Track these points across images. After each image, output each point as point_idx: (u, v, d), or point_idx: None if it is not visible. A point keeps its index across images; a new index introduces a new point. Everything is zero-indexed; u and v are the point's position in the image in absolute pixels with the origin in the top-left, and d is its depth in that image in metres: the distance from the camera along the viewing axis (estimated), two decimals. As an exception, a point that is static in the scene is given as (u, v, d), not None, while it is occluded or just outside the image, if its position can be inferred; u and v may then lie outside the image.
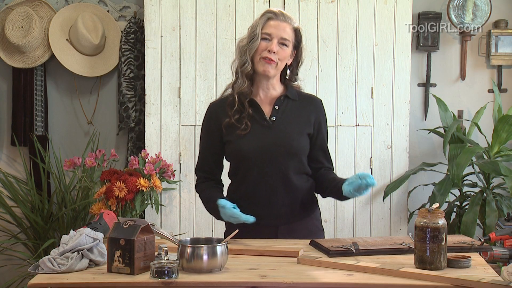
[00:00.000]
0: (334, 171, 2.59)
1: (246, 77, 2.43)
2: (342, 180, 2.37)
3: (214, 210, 2.42)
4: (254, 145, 2.41)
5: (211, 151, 2.52)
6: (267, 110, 2.46)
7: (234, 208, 2.34)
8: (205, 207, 2.52)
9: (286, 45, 2.40)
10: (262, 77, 2.44)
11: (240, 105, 2.43)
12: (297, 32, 2.44)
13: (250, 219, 2.31)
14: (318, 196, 2.58)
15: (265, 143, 2.41)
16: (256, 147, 2.40)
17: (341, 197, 2.38)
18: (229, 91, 2.49)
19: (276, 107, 2.45)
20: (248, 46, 2.41)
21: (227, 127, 2.44)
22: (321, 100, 2.56)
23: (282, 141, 2.41)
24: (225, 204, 2.35)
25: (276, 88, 2.48)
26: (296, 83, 2.54)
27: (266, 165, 2.41)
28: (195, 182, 2.59)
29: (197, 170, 2.57)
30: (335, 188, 2.40)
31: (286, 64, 2.47)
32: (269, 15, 2.41)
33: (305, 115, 2.47)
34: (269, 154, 2.40)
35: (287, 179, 2.42)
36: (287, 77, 2.50)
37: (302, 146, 2.44)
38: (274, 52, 2.37)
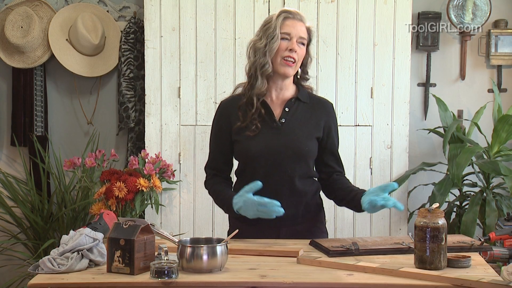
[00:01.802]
0: (344, 175, 2.58)
1: (267, 78, 2.43)
2: (360, 193, 2.35)
3: (225, 202, 2.41)
4: (262, 146, 2.40)
5: (220, 149, 2.52)
6: (277, 111, 2.46)
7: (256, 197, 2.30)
8: (216, 201, 2.52)
9: (303, 44, 2.42)
10: (279, 77, 2.43)
11: (252, 106, 2.42)
12: (309, 31, 2.45)
13: (281, 210, 2.25)
14: (322, 196, 2.58)
15: (273, 145, 2.40)
16: (264, 149, 2.40)
17: (359, 210, 2.36)
18: (239, 90, 2.50)
19: (287, 109, 2.45)
20: (269, 47, 2.39)
21: (236, 128, 2.44)
22: (332, 104, 2.55)
23: (290, 144, 2.41)
24: (245, 193, 2.30)
25: (289, 89, 2.48)
26: (308, 83, 2.53)
27: (272, 167, 2.40)
28: (204, 179, 2.59)
29: (207, 167, 2.58)
30: (352, 202, 2.39)
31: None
32: (286, 15, 2.41)
33: (315, 118, 2.46)
34: (277, 156, 2.40)
35: (292, 182, 2.42)
36: (298, 76, 2.50)
37: (310, 149, 2.44)
38: (295, 51, 2.38)
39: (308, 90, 2.53)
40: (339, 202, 2.52)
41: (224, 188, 2.48)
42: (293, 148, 2.41)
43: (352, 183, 3.68)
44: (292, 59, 2.38)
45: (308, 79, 2.53)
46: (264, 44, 2.40)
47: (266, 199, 2.25)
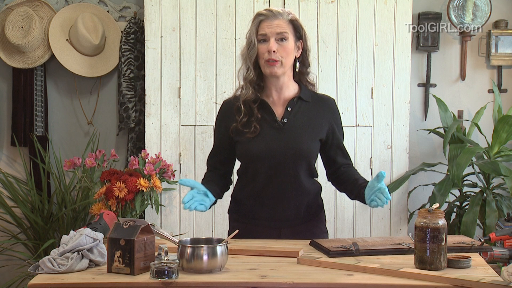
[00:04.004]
0: (353, 165, 2.57)
1: (251, 84, 2.41)
2: (363, 189, 2.33)
3: None
4: (263, 146, 2.39)
5: (220, 149, 2.52)
6: (279, 111, 2.44)
7: (199, 193, 2.29)
8: None
9: (285, 39, 2.37)
10: (272, 78, 2.42)
11: (248, 110, 2.41)
12: (294, 23, 2.40)
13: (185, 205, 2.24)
14: (323, 197, 2.58)
15: (275, 145, 2.39)
16: (266, 149, 2.39)
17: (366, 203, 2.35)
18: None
19: (289, 109, 2.43)
20: (248, 54, 2.40)
21: (234, 131, 2.43)
22: (334, 100, 2.54)
23: (292, 144, 2.39)
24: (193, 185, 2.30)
25: (289, 87, 2.45)
26: (311, 79, 2.50)
27: (274, 167, 2.40)
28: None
29: (207, 160, 2.58)
30: (360, 198, 2.38)
31: (296, 58, 2.43)
32: (260, 18, 2.39)
33: (317, 118, 2.45)
34: (278, 157, 2.39)
35: (294, 182, 2.41)
36: (297, 70, 2.45)
37: (311, 150, 2.43)
38: (274, 51, 2.35)
39: (310, 86, 2.50)
40: (350, 196, 2.49)
41: (206, 183, 2.44)
42: (295, 148, 2.39)
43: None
44: (273, 60, 2.36)
45: (308, 73, 2.49)
46: (246, 51, 2.42)
47: (195, 189, 2.26)
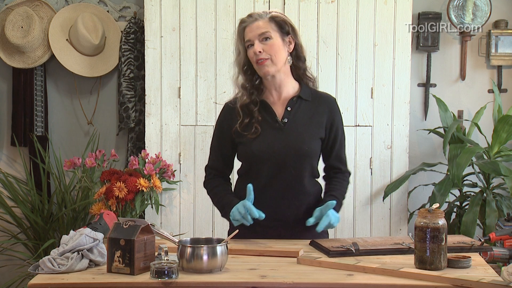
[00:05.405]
0: (347, 172, 2.57)
1: (245, 89, 2.44)
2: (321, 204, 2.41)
3: (225, 207, 2.42)
4: (264, 147, 2.40)
5: (221, 151, 2.52)
6: (279, 111, 2.45)
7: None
8: (215, 202, 2.52)
9: (268, 38, 2.38)
10: (268, 78, 2.43)
11: (248, 112, 2.43)
12: (276, 20, 2.40)
13: (262, 215, 2.30)
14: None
15: (275, 145, 2.40)
16: (267, 149, 2.40)
17: None
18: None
19: (289, 109, 2.44)
20: (236, 61, 2.46)
21: (236, 132, 2.44)
22: (334, 99, 2.54)
23: (293, 144, 2.40)
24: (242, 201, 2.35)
25: (288, 85, 2.46)
26: (310, 74, 2.51)
27: (276, 168, 2.40)
28: (204, 179, 2.58)
29: (207, 167, 2.57)
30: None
31: (290, 54, 2.44)
32: (243, 25, 2.42)
33: (317, 117, 2.45)
34: (280, 157, 2.39)
35: (296, 182, 2.42)
36: (289, 63, 2.45)
37: (313, 149, 2.43)
38: (260, 52, 2.36)
39: (310, 83, 2.50)
40: None
41: (227, 194, 2.48)
42: (296, 148, 2.40)
43: (352, 183, 3.74)
44: (261, 59, 2.37)
45: (305, 68, 2.49)
46: (235, 58, 2.47)
47: (254, 209, 2.29)
